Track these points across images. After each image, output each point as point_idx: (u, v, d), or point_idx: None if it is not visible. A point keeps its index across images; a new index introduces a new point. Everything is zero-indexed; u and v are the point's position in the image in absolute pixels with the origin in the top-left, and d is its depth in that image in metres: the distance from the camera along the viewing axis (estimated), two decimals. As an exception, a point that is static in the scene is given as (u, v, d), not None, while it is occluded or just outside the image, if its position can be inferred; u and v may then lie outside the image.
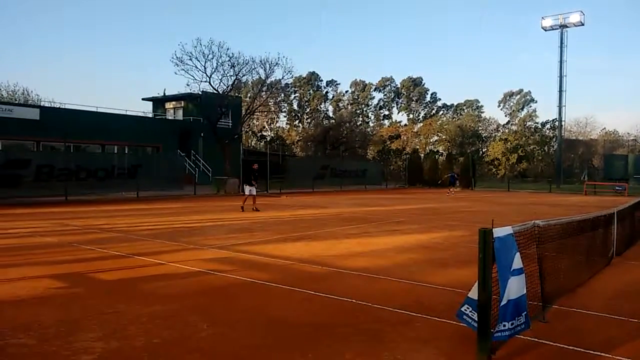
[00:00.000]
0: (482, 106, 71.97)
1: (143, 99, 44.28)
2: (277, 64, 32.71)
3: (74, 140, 28.52)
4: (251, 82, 40.78)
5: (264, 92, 37.27)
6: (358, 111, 74.27)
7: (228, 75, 31.76)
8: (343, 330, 4.52)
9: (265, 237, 10.46)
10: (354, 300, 5.49)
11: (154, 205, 18.81)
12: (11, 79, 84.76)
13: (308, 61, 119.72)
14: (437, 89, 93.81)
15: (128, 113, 36.72)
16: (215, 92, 32.08)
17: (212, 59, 30.58)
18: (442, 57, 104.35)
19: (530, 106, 69.93)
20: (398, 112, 76.73)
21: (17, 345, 4.05)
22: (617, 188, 33.26)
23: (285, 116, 73.36)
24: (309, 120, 73.48)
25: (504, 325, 3.79)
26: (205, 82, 31.34)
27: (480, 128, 67.65)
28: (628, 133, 61.46)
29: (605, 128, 64.31)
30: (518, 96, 70.84)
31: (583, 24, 46.99)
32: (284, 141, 65.12)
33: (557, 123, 50.62)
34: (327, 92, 76.41)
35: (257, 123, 67.85)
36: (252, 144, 65.56)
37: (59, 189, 20.63)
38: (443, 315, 4.90)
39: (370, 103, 76.58)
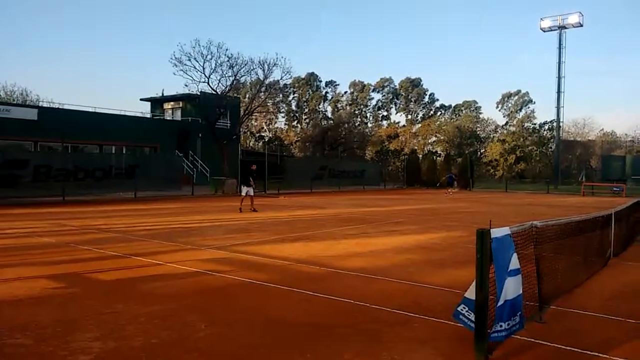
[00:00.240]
0: (480, 107, 72.34)
1: (141, 99, 44.21)
2: (275, 64, 32.82)
3: (72, 141, 28.44)
4: (250, 82, 40.79)
5: (262, 93, 37.23)
6: (357, 112, 74.37)
7: (226, 75, 31.84)
8: (341, 331, 4.52)
9: (263, 238, 10.46)
10: (352, 301, 5.49)
11: (151, 206, 18.79)
12: (10, 79, 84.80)
13: (307, 62, 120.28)
14: (435, 89, 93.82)
15: (126, 113, 36.73)
16: (213, 92, 32.07)
17: (211, 59, 30.65)
18: (441, 58, 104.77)
19: (529, 107, 70.23)
20: (396, 113, 77.02)
21: (14, 346, 4.04)
22: (614, 189, 33.29)
23: (283, 117, 73.47)
24: (307, 121, 73.51)
25: (501, 326, 3.80)
26: (204, 82, 31.42)
27: (478, 129, 67.74)
28: (626, 134, 61.82)
29: (603, 129, 64.65)
30: (516, 97, 71.00)
31: (582, 25, 47.12)
32: (282, 142, 65.15)
33: (555, 124, 50.73)
34: (325, 93, 76.55)
35: (256, 123, 67.85)
36: (251, 145, 65.54)
37: (56, 189, 20.60)
38: (441, 316, 4.90)
39: (368, 104, 76.82)
